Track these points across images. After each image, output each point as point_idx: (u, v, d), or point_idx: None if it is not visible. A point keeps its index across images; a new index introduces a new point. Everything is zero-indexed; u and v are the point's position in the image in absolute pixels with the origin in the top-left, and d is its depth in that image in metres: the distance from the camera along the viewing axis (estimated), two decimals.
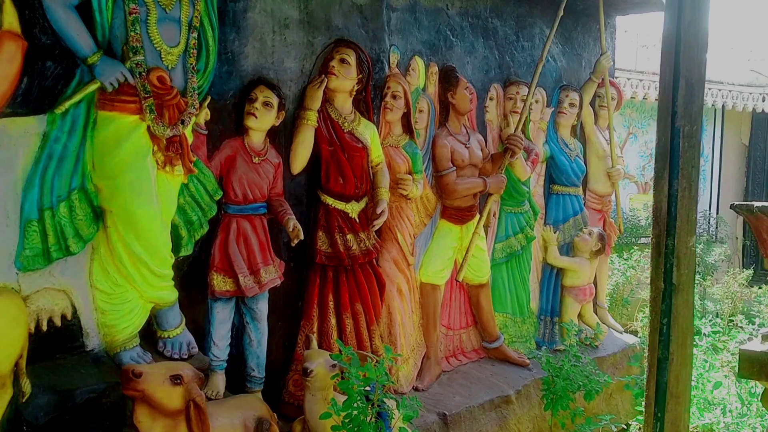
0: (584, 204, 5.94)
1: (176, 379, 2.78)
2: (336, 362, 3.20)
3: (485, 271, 5.05)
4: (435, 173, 4.71)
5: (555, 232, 5.72)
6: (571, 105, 5.74)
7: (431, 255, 4.72)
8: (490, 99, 5.26)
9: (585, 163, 5.95)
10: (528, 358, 5.20)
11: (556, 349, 5.47)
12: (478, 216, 4.87)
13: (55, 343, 2.89)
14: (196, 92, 3.09)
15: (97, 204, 2.89)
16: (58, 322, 2.87)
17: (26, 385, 2.66)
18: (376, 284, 4.11)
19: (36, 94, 2.71)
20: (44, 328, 2.82)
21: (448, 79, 4.75)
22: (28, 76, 2.68)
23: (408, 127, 4.41)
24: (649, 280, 2.40)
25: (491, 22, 5.21)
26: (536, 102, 5.51)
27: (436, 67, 4.74)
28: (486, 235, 5.17)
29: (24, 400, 2.66)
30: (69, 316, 2.91)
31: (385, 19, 4.28)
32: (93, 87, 2.79)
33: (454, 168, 4.68)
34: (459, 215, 4.79)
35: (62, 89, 2.77)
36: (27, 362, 2.67)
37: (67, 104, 2.74)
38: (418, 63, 4.57)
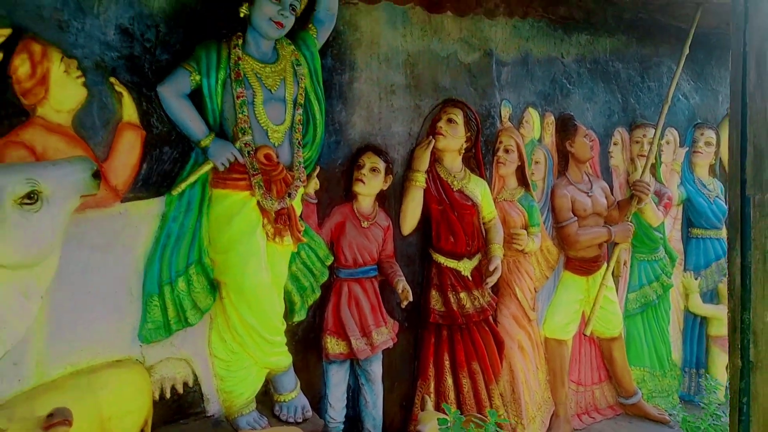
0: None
1: None
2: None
3: (617, 323, 4.86)
4: (555, 224, 4.62)
5: (696, 279, 5.43)
6: (707, 144, 5.49)
7: (555, 309, 4.62)
8: (614, 144, 5.12)
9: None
10: (669, 415, 4.92)
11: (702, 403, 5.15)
12: (605, 266, 4.72)
13: (178, 409, 3.07)
14: (302, 165, 3.20)
15: (213, 276, 3.05)
16: (180, 389, 3.06)
17: None
18: (493, 342, 4.07)
19: (155, 178, 2.93)
20: (167, 395, 3.01)
21: (565, 128, 4.68)
22: (148, 162, 2.90)
23: (523, 180, 4.37)
24: None
25: (612, 66, 5.10)
26: (667, 143, 5.33)
27: (553, 117, 4.69)
28: (617, 285, 4.99)
29: None
30: (190, 384, 3.09)
31: (495, 75, 4.30)
32: (207, 168, 2.97)
33: (576, 218, 4.57)
34: (584, 266, 4.67)
35: (178, 172, 2.99)
36: (152, 428, 2.87)
37: (183, 186, 2.94)
38: (532, 114, 4.55)
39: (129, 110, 2.83)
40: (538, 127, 4.59)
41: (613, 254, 4.75)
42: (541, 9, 4.55)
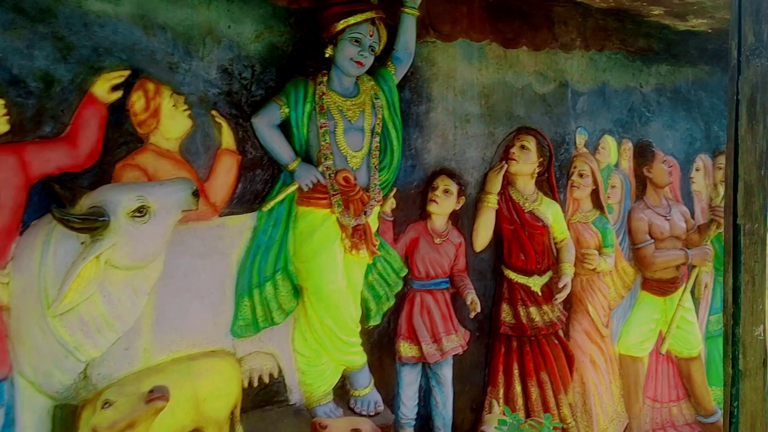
0: None
1: None
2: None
3: (695, 343, 4.95)
4: (632, 246, 4.79)
5: None
6: None
7: (630, 327, 4.78)
8: (696, 170, 5.23)
9: None
10: None
11: None
12: (683, 287, 4.84)
13: (264, 397, 3.51)
14: (378, 187, 3.57)
15: (297, 282, 3.48)
16: (266, 379, 3.50)
17: (239, 431, 3.29)
18: (563, 354, 4.29)
19: (248, 196, 3.40)
20: (255, 384, 3.45)
21: (643, 154, 4.86)
22: (242, 183, 3.37)
23: (598, 203, 4.59)
24: None
25: (694, 95, 5.23)
26: None
27: (630, 143, 4.88)
28: (697, 307, 5.08)
29: None
30: (275, 375, 3.53)
31: (570, 104, 4.56)
32: (293, 188, 3.41)
33: (652, 241, 4.74)
34: (661, 287, 4.81)
35: (268, 191, 3.44)
36: (241, 412, 3.31)
37: (272, 203, 3.39)
38: (609, 141, 4.76)
39: (227, 138, 3.32)
40: (614, 153, 4.79)
41: (692, 276, 4.86)
42: (618, 42, 4.77)
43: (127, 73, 2.97)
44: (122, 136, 3.00)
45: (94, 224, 2.65)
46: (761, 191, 2.39)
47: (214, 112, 3.27)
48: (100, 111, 2.88)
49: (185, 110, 3.17)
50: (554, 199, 4.38)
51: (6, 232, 2.65)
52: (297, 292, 3.51)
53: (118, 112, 2.97)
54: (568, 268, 4.30)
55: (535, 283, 4.21)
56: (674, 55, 5.09)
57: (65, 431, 2.85)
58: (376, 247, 3.63)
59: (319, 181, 3.41)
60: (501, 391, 4.18)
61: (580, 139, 4.61)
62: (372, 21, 3.43)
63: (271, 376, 3.52)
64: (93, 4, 2.88)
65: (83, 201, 2.74)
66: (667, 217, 4.83)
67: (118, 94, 2.94)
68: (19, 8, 2.71)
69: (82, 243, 2.71)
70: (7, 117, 2.65)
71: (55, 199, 2.74)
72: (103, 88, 2.89)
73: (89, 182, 2.88)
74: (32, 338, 2.71)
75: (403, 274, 3.88)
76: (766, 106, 2.39)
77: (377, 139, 3.60)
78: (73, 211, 2.69)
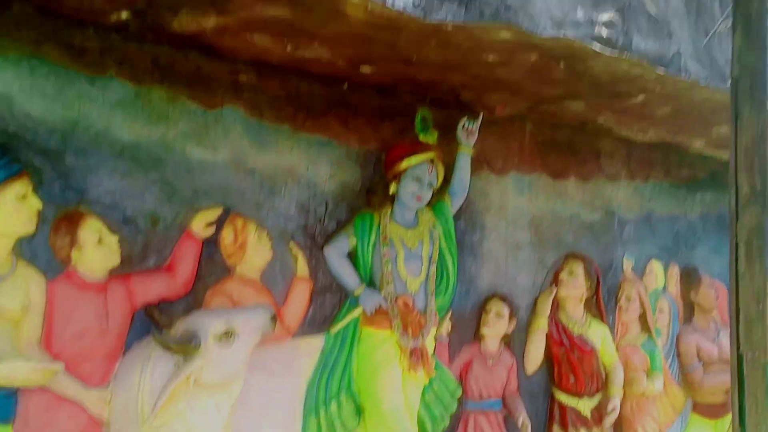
0: None
1: None
2: None
3: None
4: (681, 370, 4.95)
5: None
6: None
7: None
8: None
9: None
10: None
11: None
12: None
13: None
14: (434, 311, 3.85)
15: (359, 402, 3.71)
16: None
17: None
18: None
19: (318, 319, 3.73)
20: None
21: (689, 279, 5.08)
22: (313, 307, 3.72)
23: (646, 326, 4.79)
24: None
25: None
26: None
27: (677, 268, 5.11)
28: None
29: None
30: None
31: (617, 232, 4.85)
32: (358, 312, 3.71)
33: (700, 363, 4.89)
34: (711, 410, 4.93)
35: (336, 314, 3.78)
36: None
37: (339, 326, 3.71)
38: (655, 266, 5.00)
39: (302, 267, 3.69)
40: (662, 277, 5.02)
41: None
42: (663, 172, 5.10)
43: (220, 211, 3.40)
44: (213, 266, 3.40)
45: (189, 347, 2.99)
46: (760, 323, 2.66)
47: (291, 244, 3.66)
48: (196, 245, 3.30)
49: (267, 243, 3.55)
50: (602, 321, 4.60)
51: (112, 353, 3.04)
52: (359, 411, 3.73)
53: (210, 245, 3.38)
54: (617, 392, 4.48)
55: (585, 406, 4.39)
56: (718, 183, 5.35)
57: None
58: (433, 368, 3.88)
59: (381, 305, 3.71)
60: None
61: (627, 264, 4.86)
62: (431, 160, 3.82)
63: None
64: (196, 153, 3.36)
65: (178, 325, 3.11)
66: (716, 341, 4.98)
67: (212, 230, 3.36)
68: (136, 158, 3.19)
69: (175, 364, 3.05)
70: (119, 252, 3.07)
71: (154, 323, 3.13)
72: (200, 225, 3.32)
73: (183, 308, 3.27)
74: None
75: (457, 395, 4.07)
76: (762, 248, 2.70)
77: (434, 266, 3.91)
78: (169, 335, 3.05)
